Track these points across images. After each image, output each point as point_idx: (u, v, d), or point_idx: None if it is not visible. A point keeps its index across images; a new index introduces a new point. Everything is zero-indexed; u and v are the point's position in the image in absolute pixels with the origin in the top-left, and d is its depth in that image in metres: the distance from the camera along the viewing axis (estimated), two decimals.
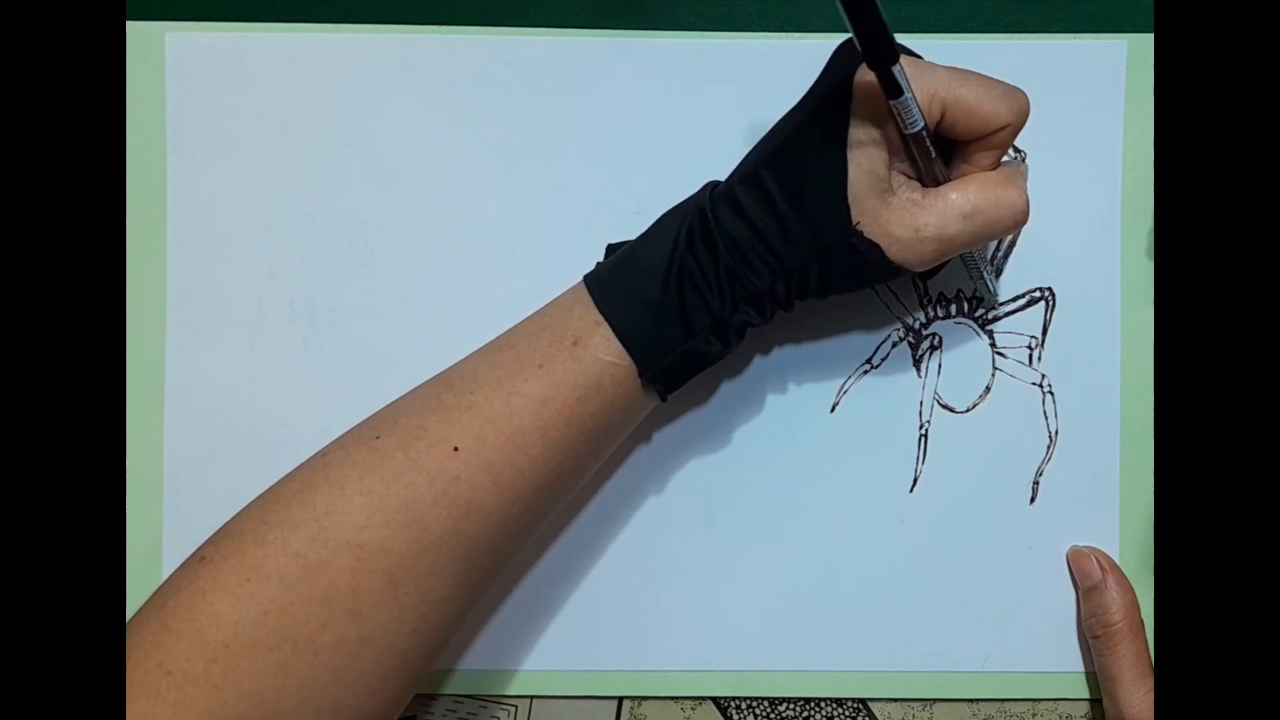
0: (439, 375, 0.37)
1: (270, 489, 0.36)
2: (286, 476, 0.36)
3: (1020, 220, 0.36)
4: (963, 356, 0.44)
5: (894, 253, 0.36)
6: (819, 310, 0.43)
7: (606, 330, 0.36)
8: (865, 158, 0.35)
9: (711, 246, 0.36)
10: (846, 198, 0.35)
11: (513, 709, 0.44)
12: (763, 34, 0.43)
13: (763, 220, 0.36)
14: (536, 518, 0.37)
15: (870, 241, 0.36)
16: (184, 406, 0.44)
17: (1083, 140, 0.43)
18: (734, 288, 0.36)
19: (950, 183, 0.36)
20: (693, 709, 0.44)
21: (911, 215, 0.36)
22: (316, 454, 0.36)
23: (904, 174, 0.36)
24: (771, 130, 0.37)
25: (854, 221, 0.35)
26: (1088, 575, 0.42)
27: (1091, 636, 0.42)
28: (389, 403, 0.37)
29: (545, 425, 0.35)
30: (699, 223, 0.36)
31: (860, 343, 0.43)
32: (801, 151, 0.36)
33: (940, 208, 0.36)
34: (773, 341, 0.43)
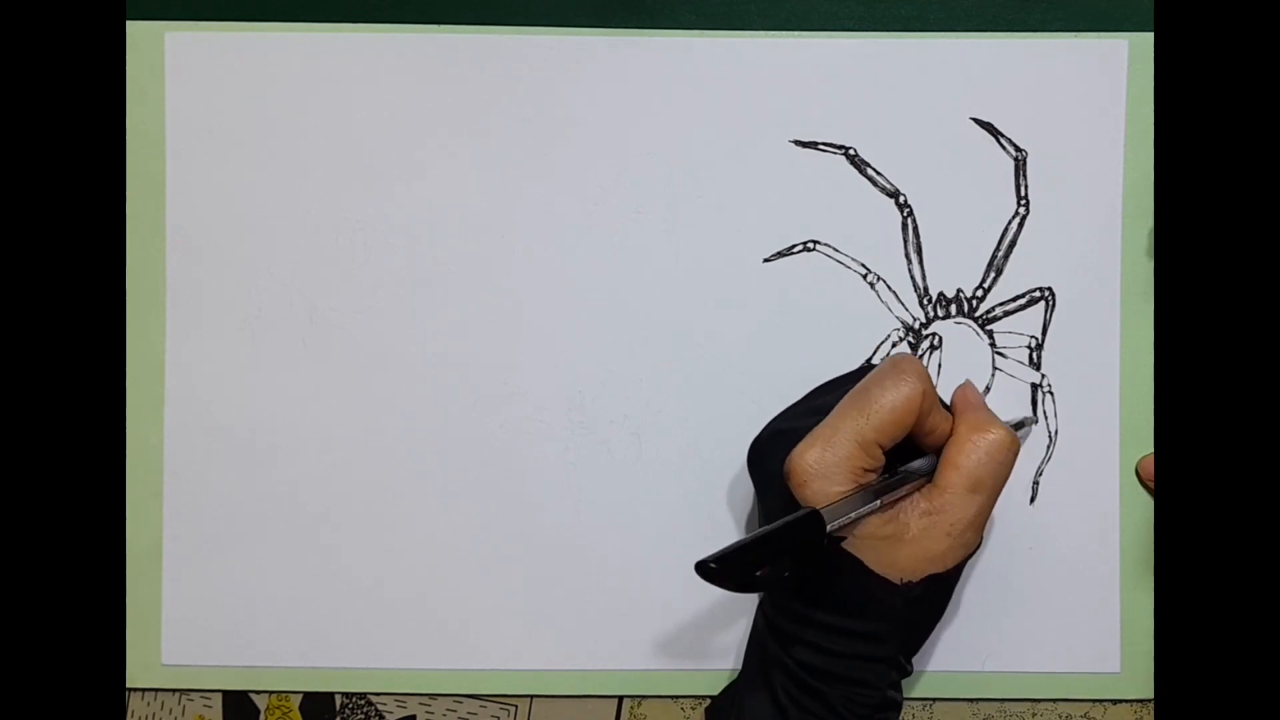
0: None
1: None
2: None
3: (1013, 448, 0.37)
4: (963, 356, 0.44)
5: (953, 560, 0.36)
6: (818, 309, 0.43)
7: None
8: (862, 546, 0.36)
9: (818, 696, 0.36)
10: (878, 578, 0.36)
11: (513, 709, 0.44)
12: (763, 34, 0.43)
13: (841, 644, 0.36)
14: None
15: (928, 579, 0.36)
16: (184, 406, 0.44)
17: (1083, 140, 0.43)
18: (857, 710, 0.37)
19: (939, 469, 0.37)
20: (693, 708, 0.44)
21: (935, 526, 0.36)
22: None
23: (894, 506, 0.36)
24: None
25: (901, 581, 0.36)
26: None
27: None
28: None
29: None
30: (790, 682, 0.37)
31: (860, 343, 0.43)
32: (821, 574, 0.36)
33: (950, 500, 0.36)
34: (774, 342, 0.43)
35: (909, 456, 0.38)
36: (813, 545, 0.34)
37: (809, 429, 0.37)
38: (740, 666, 0.43)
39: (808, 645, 0.37)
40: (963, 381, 0.42)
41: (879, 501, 0.35)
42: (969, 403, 0.39)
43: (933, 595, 0.37)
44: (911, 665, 0.39)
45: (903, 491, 0.36)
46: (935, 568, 0.36)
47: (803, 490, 0.36)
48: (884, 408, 0.36)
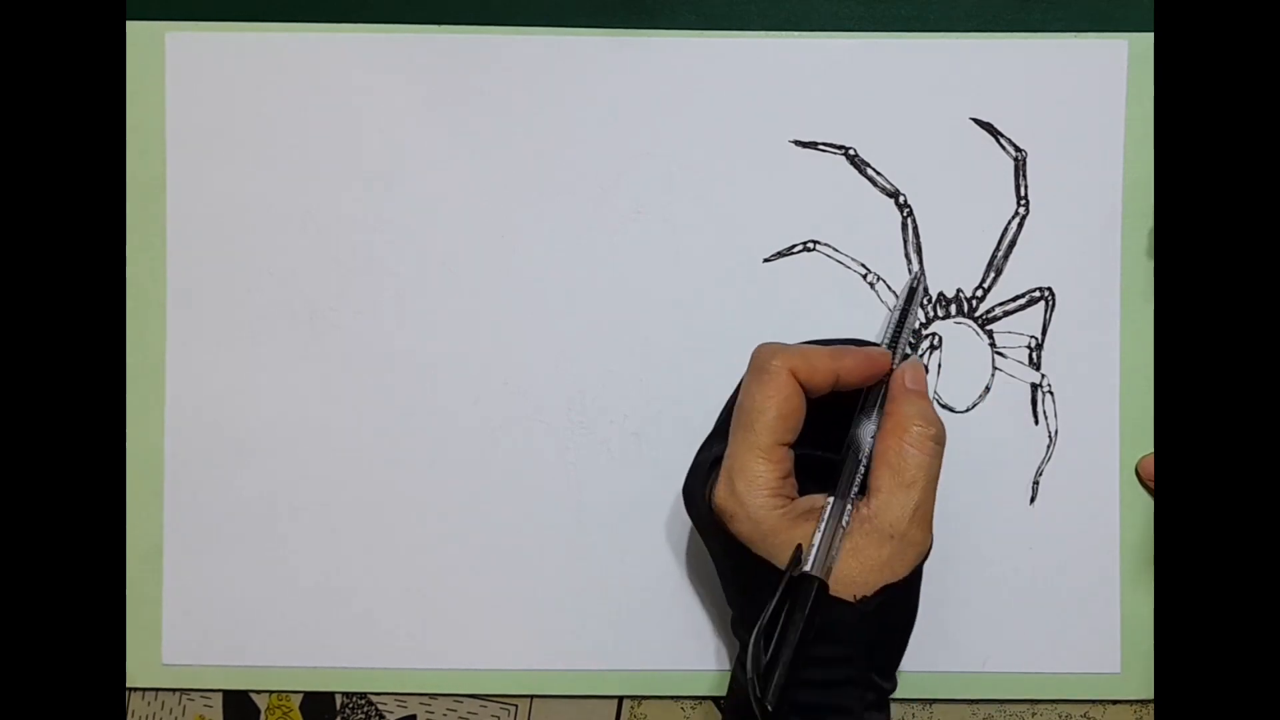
0: None
1: None
2: None
3: (939, 439, 0.36)
4: (963, 356, 0.44)
5: (902, 565, 0.36)
6: (818, 309, 0.43)
7: None
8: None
9: None
10: (835, 600, 0.35)
11: (513, 708, 0.44)
12: (763, 34, 0.43)
13: (809, 673, 0.35)
14: None
15: (881, 590, 0.35)
16: (184, 406, 0.44)
17: (1083, 140, 0.43)
18: None
19: (872, 468, 0.36)
20: (693, 708, 0.44)
21: (876, 530, 0.35)
22: None
23: (839, 514, 0.36)
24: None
25: (855, 598, 0.35)
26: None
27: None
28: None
29: None
30: None
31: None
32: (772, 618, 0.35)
33: (885, 501, 0.35)
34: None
35: (844, 416, 0.38)
36: (813, 598, 0.34)
37: (719, 457, 0.37)
38: None
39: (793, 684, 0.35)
40: (910, 359, 0.40)
41: (844, 523, 0.35)
42: (902, 389, 0.38)
43: (891, 606, 0.36)
44: (893, 682, 0.38)
45: (855, 485, 0.36)
46: (886, 576, 0.35)
47: (734, 524, 0.36)
48: (760, 411, 0.36)
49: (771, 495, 0.36)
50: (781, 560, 0.35)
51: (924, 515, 0.36)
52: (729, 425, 0.38)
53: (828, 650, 0.35)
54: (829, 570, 0.35)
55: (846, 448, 0.37)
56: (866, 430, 0.38)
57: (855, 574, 0.35)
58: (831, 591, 0.35)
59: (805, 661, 0.35)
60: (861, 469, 0.37)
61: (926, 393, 0.38)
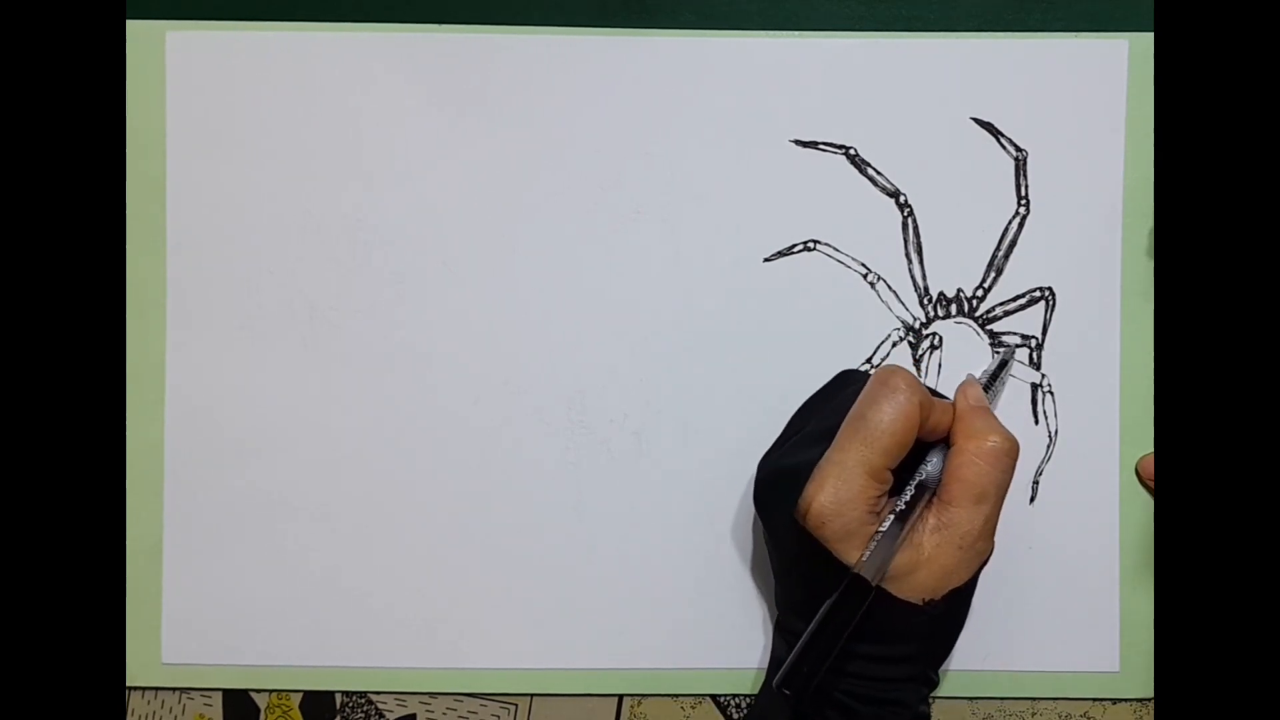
0: None
1: None
2: None
3: (1013, 454, 0.37)
4: (963, 356, 0.44)
5: (968, 571, 0.36)
6: (818, 309, 0.43)
7: None
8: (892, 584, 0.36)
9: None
10: (903, 604, 0.36)
11: (513, 707, 0.44)
12: (763, 34, 0.43)
13: (879, 670, 0.36)
14: None
15: (949, 594, 0.36)
16: (184, 406, 0.44)
17: (1083, 140, 0.43)
18: None
19: (943, 483, 0.37)
20: (693, 707, 0.44)
21: (946, 541, 0.36)
22: None
23: (903, 520, 0.36)
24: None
25: (924, 601, 0.36)
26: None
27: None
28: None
29: None
30: (837, 713, 0.37)
31: (860, 342, 0.43)
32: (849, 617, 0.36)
33: (957, 514, 0.36)
34: (774, 341, 0.43)
35: (910, 454, 0.38)
36: (863, 605, 0.35)
37: (811, 463, 0.37)
38: (744, 664, 0.43)
39: (851, 677, 0.37)
40: (964, 379, 0.41)
41: (903, 533, 0.36)
42: (968, 406, 0.38)
43: (954, 608, 0.37)
44: (939, 676, 0.39)
45: (916, 512, 0.36)
46: (954, 582, 0.36)
47: (822, 530, 0.36)
48: (884, 432, 0.36)
49: (869, 511, 0.36)
50: (851, 562, 0.36)
51: (992, 526, 0.37)
52: (807, 432, 0.39)
53: (896, 650, 0.37)
54: (883, 575, 0.36)
55: (906, 484, 0.37)
56: (936, 460, 0.38)
57: (926, 581, 0.36)
58: (902, 596, 0.36)
59: (874, 660, 0.37)
60: (928, 497, 0.37)
61: (990, 408, 0.39)
